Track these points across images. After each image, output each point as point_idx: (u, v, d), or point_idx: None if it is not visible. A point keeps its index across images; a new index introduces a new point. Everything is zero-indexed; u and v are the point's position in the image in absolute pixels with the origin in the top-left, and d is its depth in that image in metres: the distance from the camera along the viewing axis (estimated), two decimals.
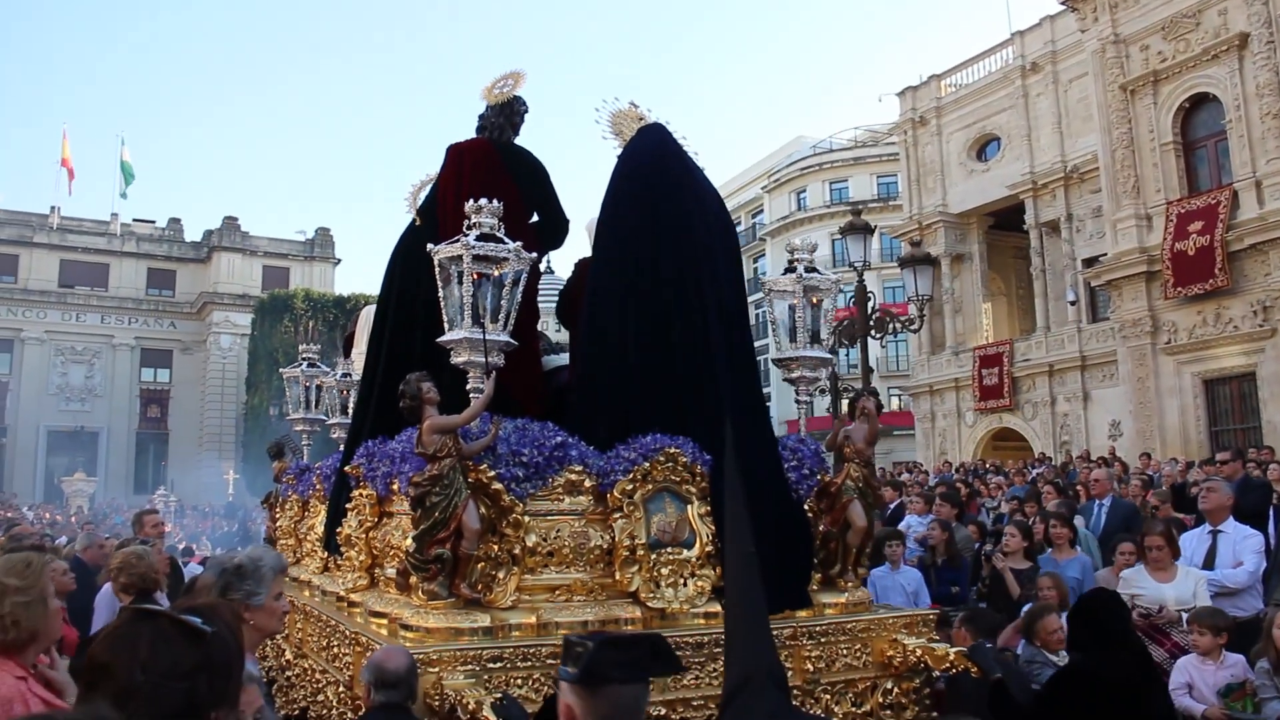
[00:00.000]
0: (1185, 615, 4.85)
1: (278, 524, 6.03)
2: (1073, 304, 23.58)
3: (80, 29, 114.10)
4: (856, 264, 14.19)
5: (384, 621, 3.64)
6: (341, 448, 5.06)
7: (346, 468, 4.39)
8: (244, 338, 38.46)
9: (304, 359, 6.35)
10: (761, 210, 42.63)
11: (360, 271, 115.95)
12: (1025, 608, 5.20)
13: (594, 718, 1.79)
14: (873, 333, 14.34)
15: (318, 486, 5.22)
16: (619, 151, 4.38)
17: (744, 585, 2.45)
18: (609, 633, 2.63)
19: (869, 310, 14.13)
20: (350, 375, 5.98)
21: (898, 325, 14.90)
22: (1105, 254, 20.98)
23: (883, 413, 4.46)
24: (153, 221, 42.94)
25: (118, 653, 1.44)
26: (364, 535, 4.09)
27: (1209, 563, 5.69)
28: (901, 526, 8.33)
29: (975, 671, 3.51)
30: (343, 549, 4.34)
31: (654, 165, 4.20)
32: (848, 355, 25.04)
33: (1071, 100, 23.46)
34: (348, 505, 4.33)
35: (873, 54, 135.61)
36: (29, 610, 2.48)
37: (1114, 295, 20.59)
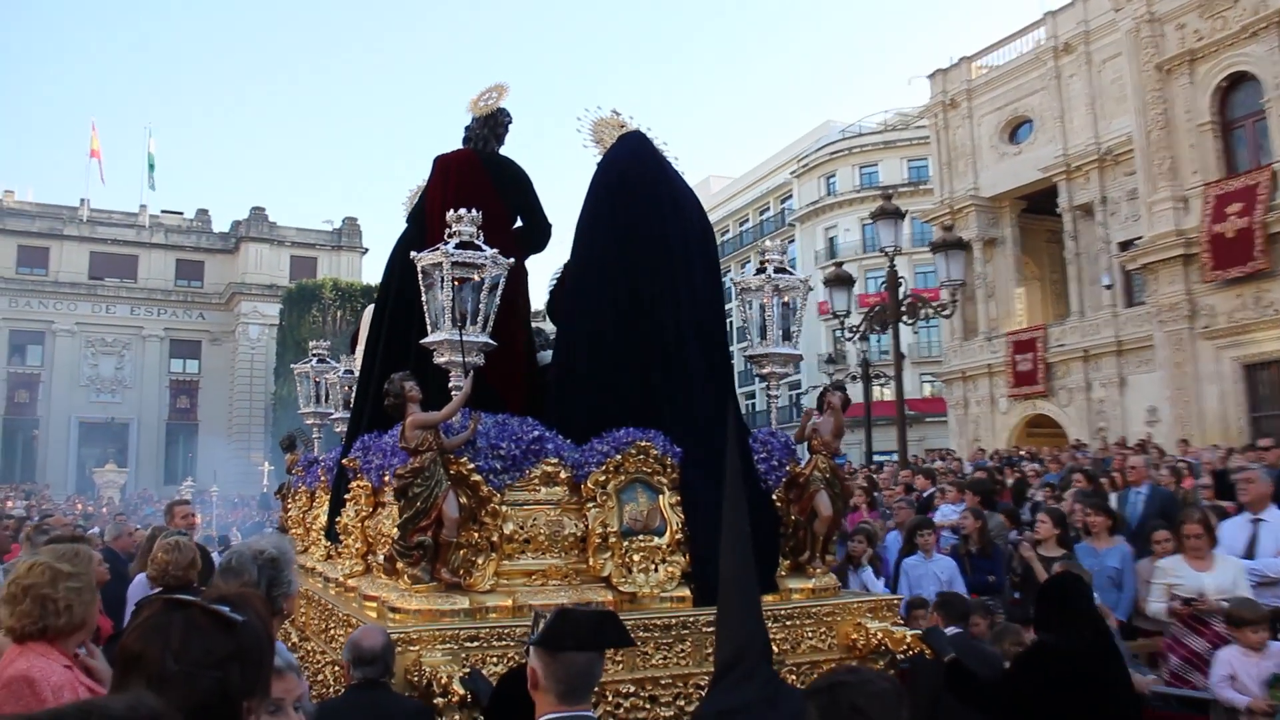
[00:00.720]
0: (1226, 604, 4.76)
1: (289, 514, 6.36)
2: (1108, 288, 23.15)
3: (107, 22, 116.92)
4: (887, 249, 14.14)
5: (374, 604, 3.89)
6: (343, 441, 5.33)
7: (344, 460, 4.66)
8: (272, 328, 38.59)
9: (314, 355, 6.70)
10: (790, 196, 42.27)
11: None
12: None
13: (553, 679, 2.07)
14: (904, 318, 14.30)
15: (322, 478, 5.52)
16: (599, 159, 4.57)
17: (738, 565, 2.63)
18: (569, 606, 2.84)
19: (900, 295, 14.11)
20: (352, 372, 6.28)
21: (929, 310, 14.83)
22: (1141, 237, 20.56)
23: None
24: (181, 213, 43.33)
25: (150, 642, 1.43)
26: (360, 524, 4.35)
27: (1250, 552, 5.55)
28: (936, 517, 8.29)
29: (929, 653, 3.66)
30: (341, 537, 4.61)
31: (631, 172, 4.38)
32: (879, 341, 24.84)
33: (1105, 81, 22.97)
34: (346, 496, 4.60)
35: (902, 37, 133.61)
36: (80, 597, 2.52)
37: (1150, 279, 20.19)
